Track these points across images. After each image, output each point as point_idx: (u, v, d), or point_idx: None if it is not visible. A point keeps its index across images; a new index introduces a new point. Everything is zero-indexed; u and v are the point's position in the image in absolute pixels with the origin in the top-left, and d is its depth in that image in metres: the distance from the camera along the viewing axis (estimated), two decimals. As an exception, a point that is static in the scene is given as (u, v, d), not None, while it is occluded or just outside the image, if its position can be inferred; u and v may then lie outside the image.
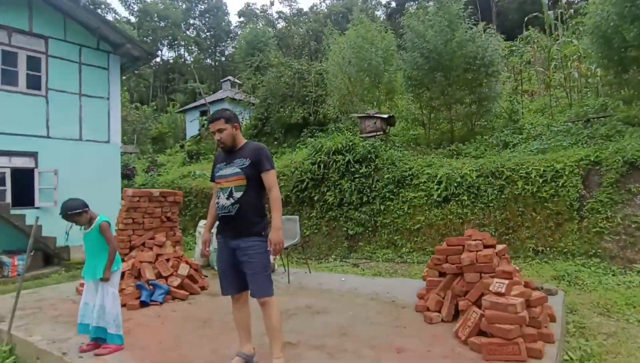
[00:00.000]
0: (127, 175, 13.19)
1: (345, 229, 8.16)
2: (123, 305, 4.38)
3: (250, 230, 2.67)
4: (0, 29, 8.90)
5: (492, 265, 3.21)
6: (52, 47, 9.62)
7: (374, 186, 8.04)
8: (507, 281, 2.87)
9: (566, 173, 6.36)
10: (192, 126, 22.36)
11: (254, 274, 2.64)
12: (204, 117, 18.62)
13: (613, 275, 5.32)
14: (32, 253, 8.06)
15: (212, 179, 2.91)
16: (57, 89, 9.64)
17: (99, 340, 3.11)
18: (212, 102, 20.52)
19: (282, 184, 9.02)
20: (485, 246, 3.47)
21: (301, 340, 3.27)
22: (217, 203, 2.76)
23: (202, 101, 23.95)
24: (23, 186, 9.08)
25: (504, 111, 10.14)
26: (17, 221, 7.68)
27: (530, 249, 6.36)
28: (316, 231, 8.53)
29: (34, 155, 9.21)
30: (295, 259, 7.26)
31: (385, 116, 9.55)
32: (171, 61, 47.23)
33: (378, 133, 9.35)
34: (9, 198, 8.61)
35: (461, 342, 2.99)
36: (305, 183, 8.69)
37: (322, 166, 8.57)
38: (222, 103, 20.95)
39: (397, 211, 7.66)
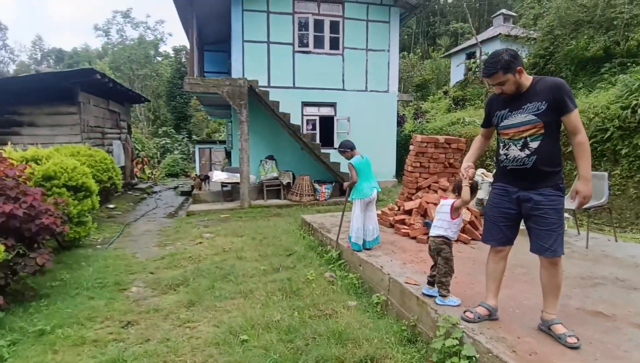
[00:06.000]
0: (398, 122, 14.37)
1: (666, 194, 6.25)
2: (413, 238, 5.04)
3: (546, 182, 2.41)
4: (311, 1, 11.00)
5: None
6: (347, 10, 11.19)
7: None
8: None
9: None
10: (458, 70, 21.71)
11: (548, 231, 2.41)
12: (472, 60, 17.64)
13: None
14: (334, 183, 10.25)
15: (486, 126, 2.72)
16: (350, 47, 11.30)
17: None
18: (483, 42, 19.00)
19: (573, 133, 7.63)
20: None
21: (616, 313, 2.87)
22: (506, 154, 2.51)
23: (468, 43, 22.72)
24: (326, 130, 11.46)
25: None
26: (325, 158, 9.86)
27: None
28: (619, 192, 6.93)
29: (333, 105, 11.37)
30: (593, 222, 6.21)
31: None
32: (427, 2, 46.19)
33: None
34: (318, 140, 11.08)
35: None
36: (609, 133, 7.05)
37: (638, 111, 6.67)
38: (494, 42, 19.16)
39: None
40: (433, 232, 3.06)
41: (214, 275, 4.44)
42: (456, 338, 2.48)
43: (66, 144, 8.01)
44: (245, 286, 4.09)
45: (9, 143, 5.05)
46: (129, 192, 12.29)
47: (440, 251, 2.99)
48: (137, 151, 17.87)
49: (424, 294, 3.07)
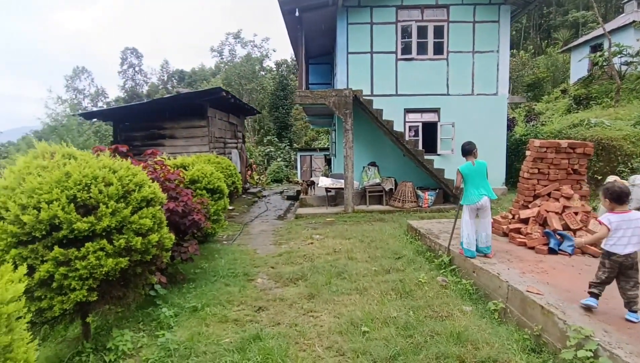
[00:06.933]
0: (508, 126, 13.42)
1: None
2: (530, 248, 4.79)
3: None
4: (415, 8, 10.99)
5: None
6: (452, 13, 10.92)
7: None
8: None
9: None
10: (579, 66, 19.35)
11: None
12: (598, 53, 15.57)
13: None
14: (438, 190, 10.07)
15: None
16: (455, 51, 10.99)
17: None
18: (611, 32, 16.65)
19: None
20: None
21: None
22: None
23: (593, 34, 20.18)
24: (429, 136, 11.29)
25: None
26: (428, 164, 9.76)
27: None
28: None
29: (437, 111, 11.16)
30: None
31: None
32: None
33: None
34: (420, 146, 10.99)
35: None
36: None
37: None
38: (626, 31, 16.69)
39: None
40: (626, 250, 2.83)
41: (329, 272, 4.81)
42: (590, 350, 2.39)
43: (197, 153, 9.34)
44: (359, 284, 4.37)
45: (164, 152, 6.16)
46: (243, 196, 13.66)
47: (636, 264, 2.86)
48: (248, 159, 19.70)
49: (627, 320, 2.84)
